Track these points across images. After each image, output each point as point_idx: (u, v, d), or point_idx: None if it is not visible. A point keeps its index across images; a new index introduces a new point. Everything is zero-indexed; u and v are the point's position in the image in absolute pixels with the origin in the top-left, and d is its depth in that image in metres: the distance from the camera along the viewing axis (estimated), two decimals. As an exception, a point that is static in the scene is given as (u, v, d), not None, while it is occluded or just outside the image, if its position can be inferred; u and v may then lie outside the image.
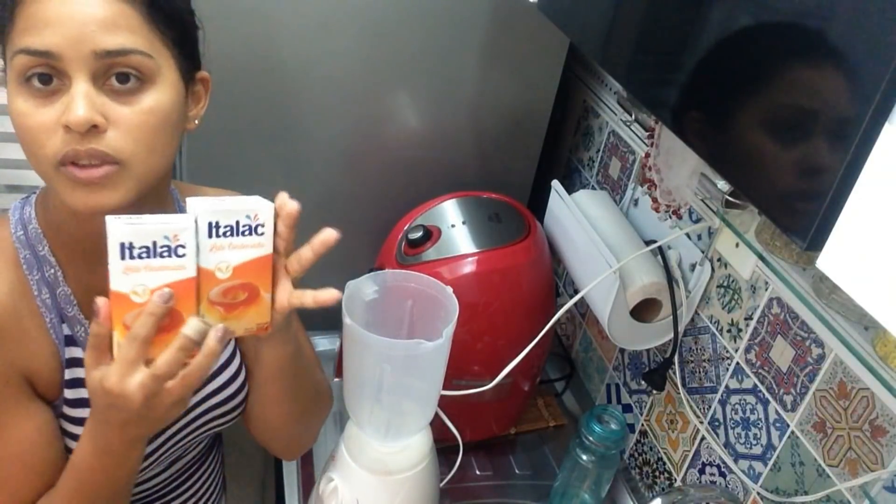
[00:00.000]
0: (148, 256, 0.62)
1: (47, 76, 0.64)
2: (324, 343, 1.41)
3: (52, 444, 0.75)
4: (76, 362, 0.75)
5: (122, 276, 0.62)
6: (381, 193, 1.32)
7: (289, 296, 0.70)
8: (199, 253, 0.65)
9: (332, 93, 1.21)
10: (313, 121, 1.23)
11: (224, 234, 0.65)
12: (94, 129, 0.63)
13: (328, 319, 1.40)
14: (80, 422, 0.76)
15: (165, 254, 0.63)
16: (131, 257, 0.61)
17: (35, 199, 0.77)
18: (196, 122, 0.77)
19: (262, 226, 0.67)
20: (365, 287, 0.93)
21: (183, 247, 0.63)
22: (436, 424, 1.00)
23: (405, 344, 0.89)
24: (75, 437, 0.75)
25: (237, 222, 0.66)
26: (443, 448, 1.07)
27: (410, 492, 0.97)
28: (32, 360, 0.73)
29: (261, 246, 0.67)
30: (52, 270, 0.74)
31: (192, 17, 0.74)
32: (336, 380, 1.31)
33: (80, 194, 0.66)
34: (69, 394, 0.75)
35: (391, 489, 0.95)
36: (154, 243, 0.62)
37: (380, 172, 1.31)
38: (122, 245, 0.61)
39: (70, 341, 0.75)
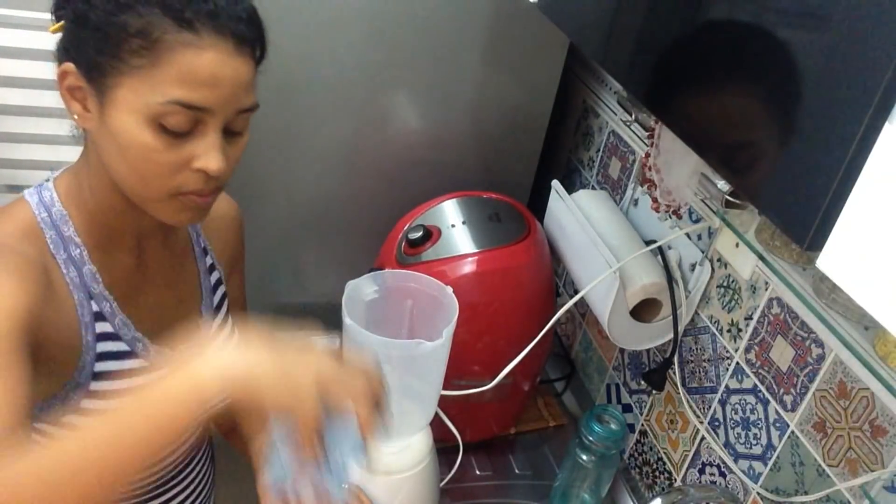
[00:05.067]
0: None
1: (184, 121, 0.69)
2: (324, 343, 1.41)
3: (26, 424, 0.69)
4: (104, 336, 0.79)
5: None
6: (381, 193, 1.32)
7: None
8: None
9: (333, 93, 1.21)
10: (313, 121, 1.23)
11: None
12: None
13: (328, 319, 1.41)
14: (103, 395, 0.79)
15: None
16: None
17: (54, 185, 0.79)
18: None
19: None
20: (365, 287, 0.93)
21: None
22: (436, 424, 1.00)
23: (405, 344, 0.89)
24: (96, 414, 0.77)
25: None
26: (443, 448, 1.07)
27: (410, 492, 0.97)
28: (58, 322, 0.74)
29: None
30: (78, 250, 0.77)
31: None
32: (336, 380, 1.31)
33: (188, 214, 0.75)
34: (98, 367, 0.78)
35: (391, 489, 0.95)
36: None
37: (380, 172, 1.31)
38: None
39: (99, 317, 0.78)
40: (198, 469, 0.99)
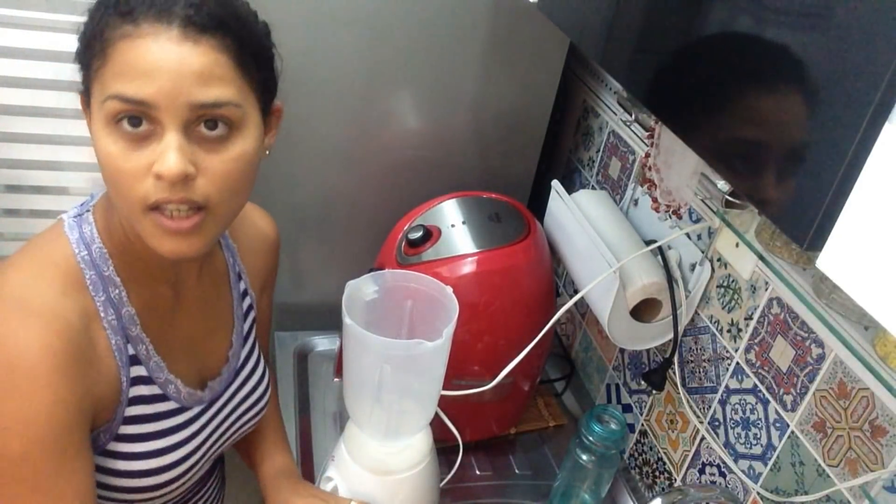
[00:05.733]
0: None
1: (138, 119, 0.64)
2: (324, 343, 1.42)
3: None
4: (138, 380, 0.77)
5: None
6: (381, 193, 1.33)
7: None
8: None
9: (333, 93, 1.21)
10: (313, 121, 1.23)
11: None
12: (184, 178, 0.65)
13: (328, 319, 1.41)
14: (132, 438, 0.77)
15: None
16: None
17: (93, 218, 0.75)
18: (267, 152, 0.77)
19: None
20: (365, 287, 0.93)
21: None
22: (436, 424, 1.00)
23: (405, 344, 0.89)
24: (123, 457, 0.77)
25: None
26: (443, 448, 1.07)
27: (410, 492, 0.97)
28: (100, 384, 0.73)
29: None
30: (117, 291, 0.74)
31: (272, 51, 0.74)
32: (336, 380, 1.31)
33: (169, 242, 0.67)
34: (129, 411, 0.76)
35: (391, 489, 0.95)
36: None
37: (380, 172, 1.31)
38: None
39: (134, 360, 0.76)
40: (209, 488, 0.99)
